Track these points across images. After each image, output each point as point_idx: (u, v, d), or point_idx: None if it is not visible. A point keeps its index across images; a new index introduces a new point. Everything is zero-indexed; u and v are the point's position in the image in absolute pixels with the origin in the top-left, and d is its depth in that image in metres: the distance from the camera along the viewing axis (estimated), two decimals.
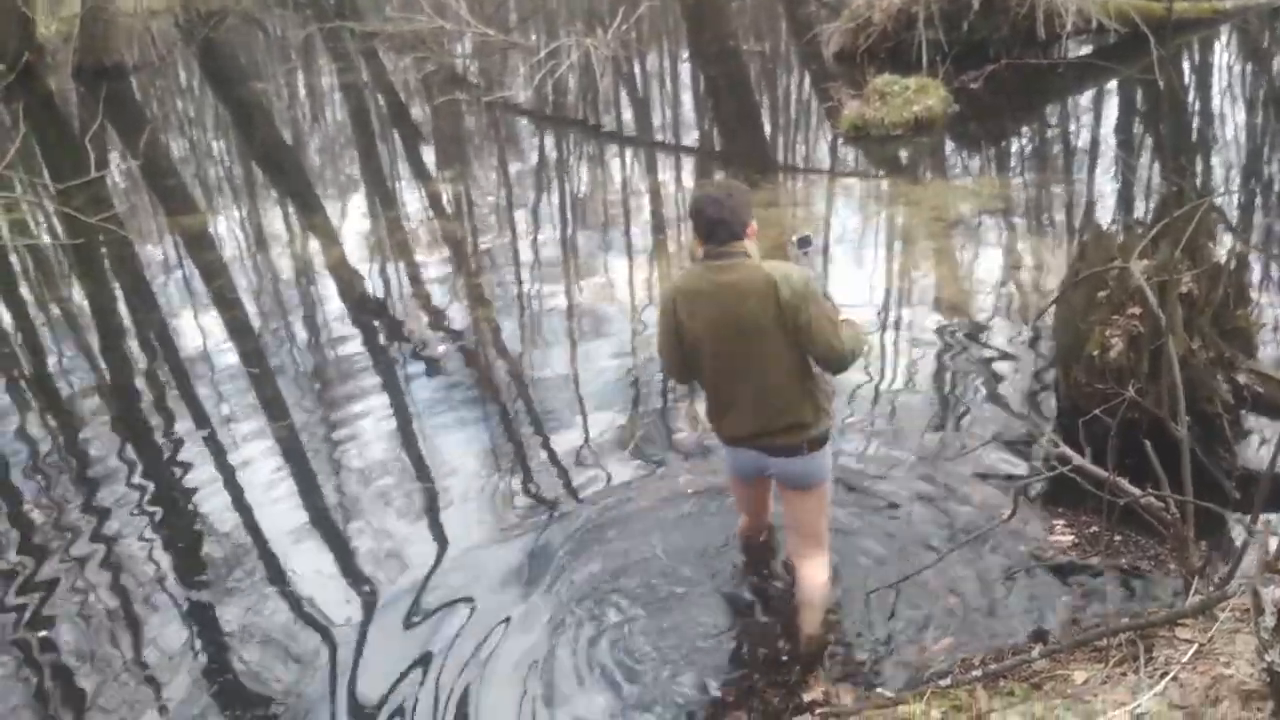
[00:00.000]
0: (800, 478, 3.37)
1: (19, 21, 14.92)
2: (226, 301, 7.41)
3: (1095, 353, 4.42)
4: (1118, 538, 3.88)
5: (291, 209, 9.93)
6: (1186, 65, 11.59)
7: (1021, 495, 4.20)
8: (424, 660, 3.65)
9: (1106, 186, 8.32)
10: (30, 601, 4.21)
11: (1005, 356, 5.51)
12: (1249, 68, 11.78)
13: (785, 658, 3.47)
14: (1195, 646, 2.85)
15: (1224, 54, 12.31)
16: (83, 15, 15.03)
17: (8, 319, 7.67)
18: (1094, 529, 3.96)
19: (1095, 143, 9.52)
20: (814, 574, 3.51)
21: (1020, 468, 4.50)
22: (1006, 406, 5.00)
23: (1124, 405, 3.41)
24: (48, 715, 3.65)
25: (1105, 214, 7.56)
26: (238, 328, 6.95)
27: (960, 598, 3.68)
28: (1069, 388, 4.68)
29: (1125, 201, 7.93)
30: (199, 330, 6.96)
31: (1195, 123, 9.83)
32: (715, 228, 3.13)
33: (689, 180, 9.43)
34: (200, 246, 8.79)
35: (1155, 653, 2.94)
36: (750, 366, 3.18)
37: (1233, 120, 9.83)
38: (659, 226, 8.31)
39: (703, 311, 3.17)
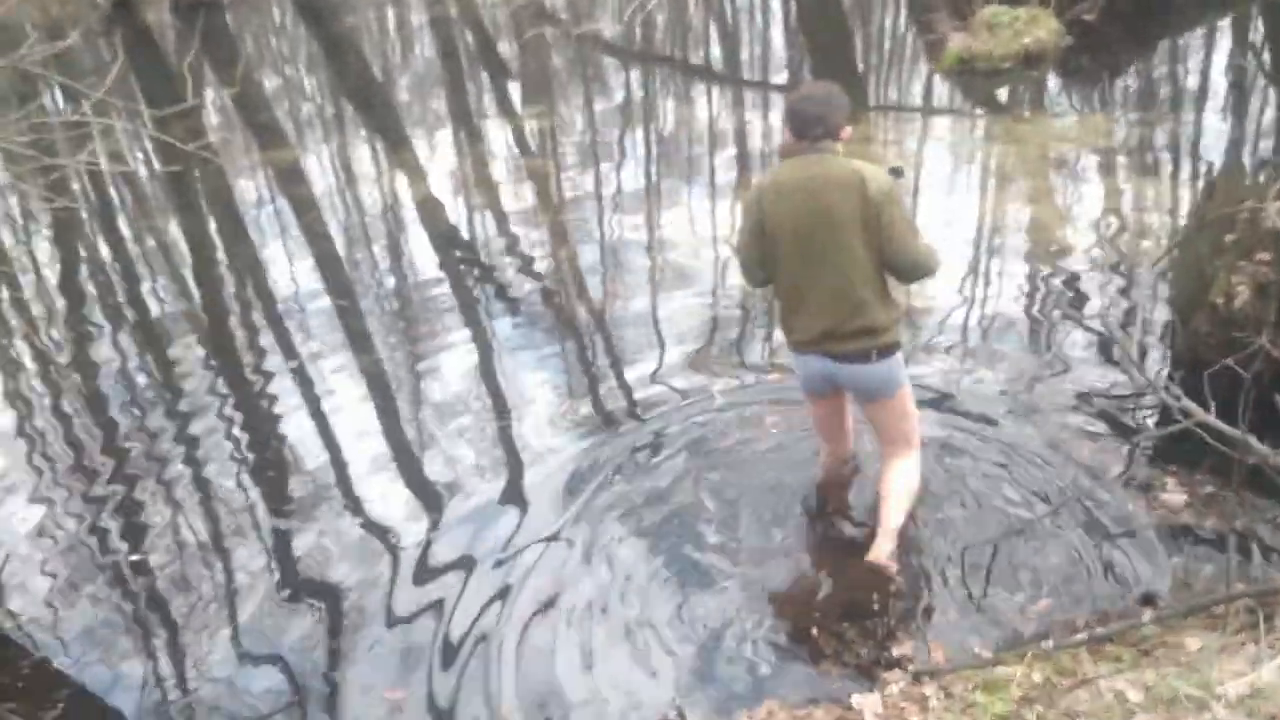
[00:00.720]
0: (874, 390, 3.38)
1: None
2: (316, 235, 7.49)
3: (1219, 300, 4.12)
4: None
5: (380, 145, 9.96)
6: None
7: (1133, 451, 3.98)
8: (503, 594, 3.63)
9: (1232, 123, 7.77)
10: (124, 526, 4.33)
11: (1116, 303, 5.20)
12: None
13: (876, 607, 3.34)
14: None
15: None
16: None
17: (105, 247, 7.89)
18: (1209, 489, 3.72)
19: (1219, 75, 8.89)
20: (896, 462, 3.52)
21: (1130, 421, 4.25)
22: (1116, 355, 4.72)
23: (1255, 357, 3.15)
24: (144, 632, 3.75)
25: (1232, 152, 7.06)
26: (327, 261, 7.03)
27: (1064, 557, 3.49)
28: (1188, 337, 4.39)
29: (1255, 139, 7.39)
30: (289, 263, 7.06)
31: None
32: (811, 124, 3.16)
33: (777, 119, 9.12)
34: (291, 180, 8.88)
35: (1276, 621, 2.76)
36: (827, 259, 3.17)
37: None
38: (745, 165, 8.08)
39: (788, 202, 3.19)
